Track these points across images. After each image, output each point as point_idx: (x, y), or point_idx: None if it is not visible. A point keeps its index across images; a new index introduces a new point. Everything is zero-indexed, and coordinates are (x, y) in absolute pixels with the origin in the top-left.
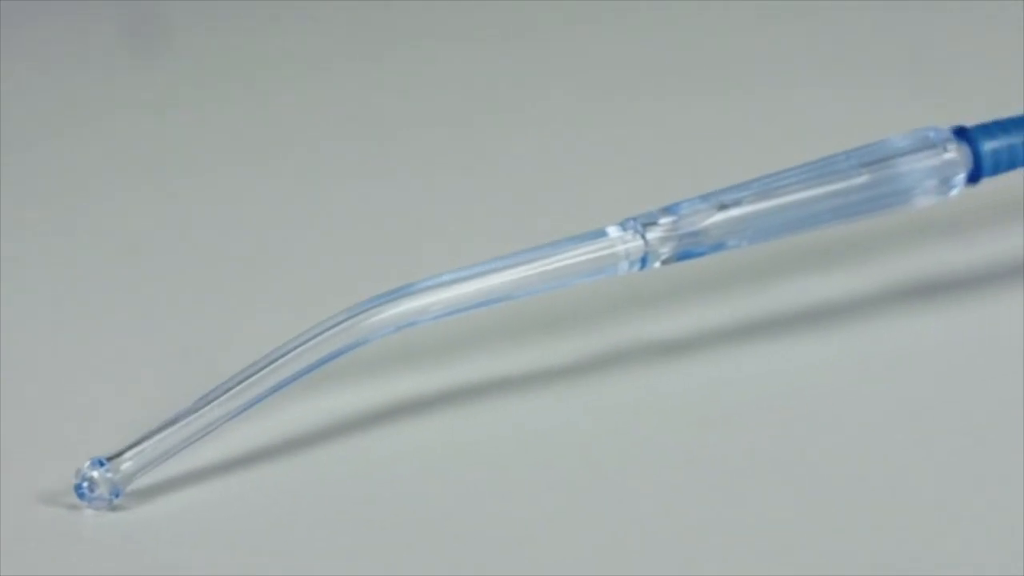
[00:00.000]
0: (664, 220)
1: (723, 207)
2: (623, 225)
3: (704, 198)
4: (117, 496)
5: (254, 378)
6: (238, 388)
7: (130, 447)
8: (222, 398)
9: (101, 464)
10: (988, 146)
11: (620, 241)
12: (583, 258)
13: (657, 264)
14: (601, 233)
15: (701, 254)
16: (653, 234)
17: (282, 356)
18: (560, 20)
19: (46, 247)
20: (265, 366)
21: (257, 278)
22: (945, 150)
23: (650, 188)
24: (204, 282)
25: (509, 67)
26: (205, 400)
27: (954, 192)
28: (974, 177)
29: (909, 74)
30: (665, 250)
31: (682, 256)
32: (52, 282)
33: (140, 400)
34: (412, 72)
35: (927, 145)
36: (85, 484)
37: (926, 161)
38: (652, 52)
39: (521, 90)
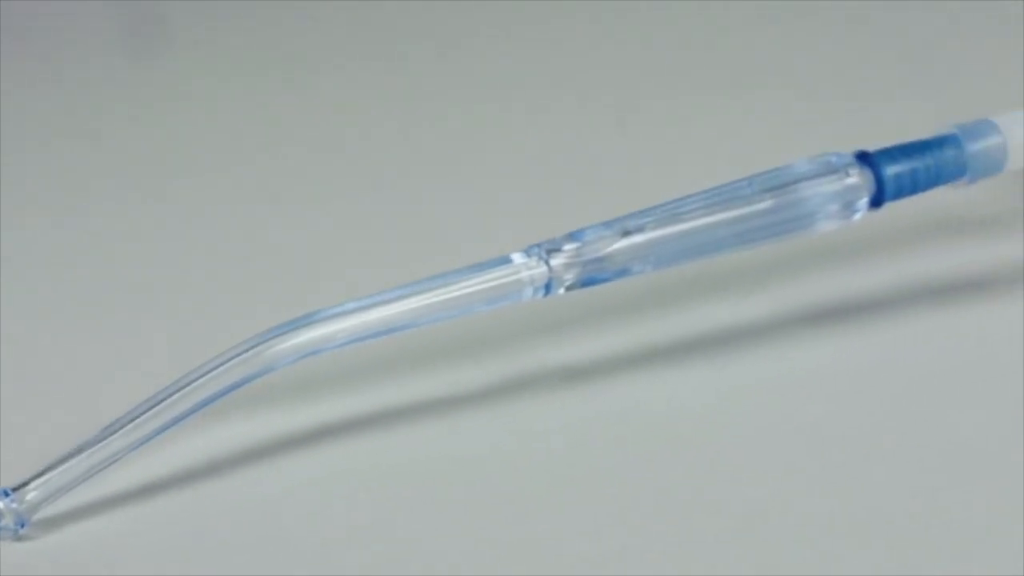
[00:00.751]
0: (568, 247)
1: (627, 233)
2: (527, 252)
3: (608, 224)
4: (23, 526)
5: (159, 407)
6: (143, 417)
7: (35, 477)
8: (127, 427)
9: (6, 494)
10: (890, 171)
11: (524, 268)
12: (487, 285)
13: (561, 290)
14: (505, 260)
15: (606, 280)
16: (557, 260)
17: (186, 385)
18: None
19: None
20: (169, 395)
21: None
22: (847, 175)
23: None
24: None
25: (425, 86)
26: (111, 429)
27: (857, 216)
28: (877, 201)
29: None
30: (569, 276)
31: (586, 282)
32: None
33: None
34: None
35: (830, 170)
36: None
37: (828, 186)
38: (575, 71)
39: (427, 113)
